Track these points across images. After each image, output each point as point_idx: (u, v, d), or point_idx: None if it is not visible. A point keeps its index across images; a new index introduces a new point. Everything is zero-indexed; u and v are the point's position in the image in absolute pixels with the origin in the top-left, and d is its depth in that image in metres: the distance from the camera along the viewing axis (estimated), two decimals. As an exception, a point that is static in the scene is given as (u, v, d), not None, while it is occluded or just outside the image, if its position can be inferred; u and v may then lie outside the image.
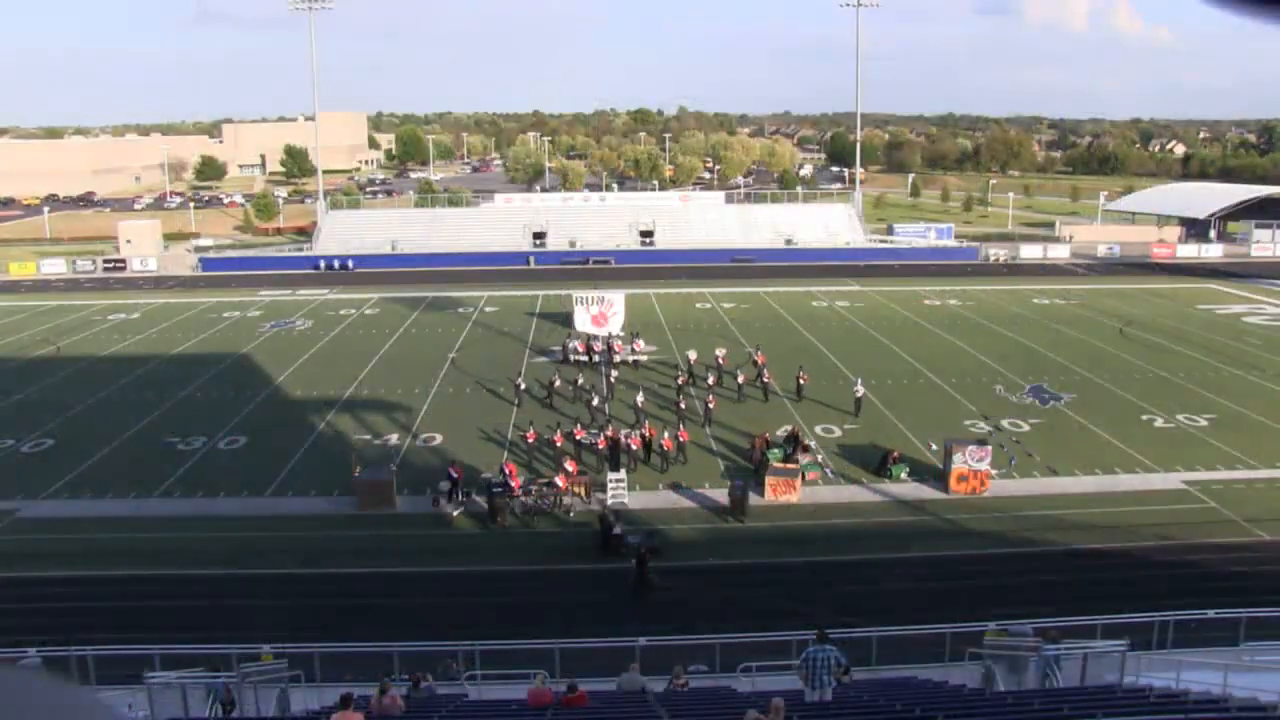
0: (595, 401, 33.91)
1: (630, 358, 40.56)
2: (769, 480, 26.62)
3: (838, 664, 13.32)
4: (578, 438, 29.91)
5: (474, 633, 18.05)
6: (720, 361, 39.08)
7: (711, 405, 33.13)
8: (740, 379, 36.10)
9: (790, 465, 27.44)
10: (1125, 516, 25.17)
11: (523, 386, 36.66)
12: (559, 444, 30.00)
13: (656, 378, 38.83)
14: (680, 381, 36.44)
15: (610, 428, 30.63)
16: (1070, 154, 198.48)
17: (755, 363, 38.85)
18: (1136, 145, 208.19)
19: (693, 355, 40.15)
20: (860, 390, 35.23)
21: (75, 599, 21.44)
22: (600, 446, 29.11)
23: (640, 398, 33.87)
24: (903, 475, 27.86)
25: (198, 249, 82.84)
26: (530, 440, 30.03)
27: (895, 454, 28.60)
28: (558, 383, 36.28)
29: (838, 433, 32.27)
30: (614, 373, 37.94)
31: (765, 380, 36.38)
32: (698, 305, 56.93)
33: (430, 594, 21.85)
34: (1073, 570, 22.28)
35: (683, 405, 33.23)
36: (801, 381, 36.09)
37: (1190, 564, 22.50)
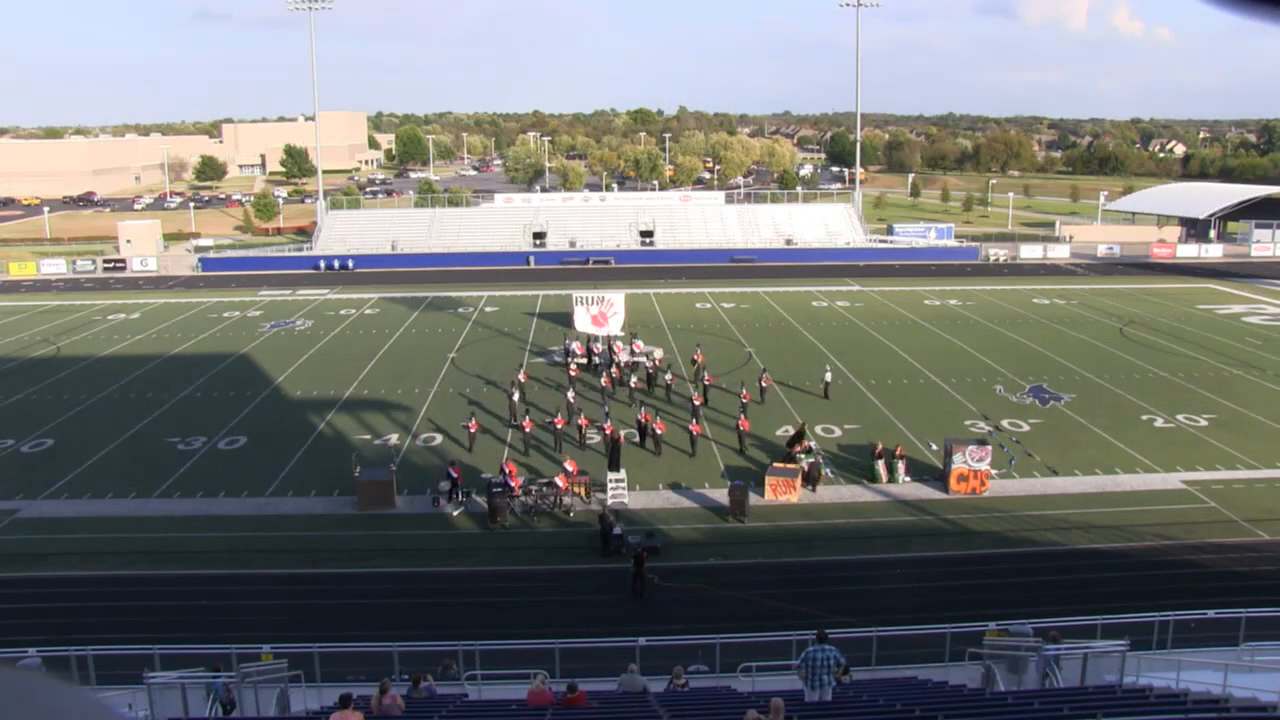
0: (516, 397, 34.10)
1: (631, 359, 40.47)
2: (769, 480, 26.62)
3: (837, 664, 13.33)
4: (558, 427, 31.12)
5: (474, 633, 18.06)
6: (656, 363, 39.54)
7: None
8: (669, 379, 36.63)
9: (790, 465, 27.45)
10: (1125, 516, 25.18)
11: (523, 380, 37.13)
12: (528, 429, 30.80)
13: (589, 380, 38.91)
14: (604, 383, 36.81)
15: (583, 422, 31.81)
16: (1070, 154, 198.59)
17: (694, 361, 39.16)
18: (1136, 145, 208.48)
19: (624, 358, 40.18)
20: (829, 375, 36.66)
21: (75, 599, 21.44)
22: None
23: (571, 394, 34.25)
24: (894, 468, 27.73)
25: (198, 249, 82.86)
26: (472, 431, 31.17)
27: (899, 449, 28.55)
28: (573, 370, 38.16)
29: (838, 432, 32.26)
30: (652, 373, 38.33)
31: (707, 381, 36.19)
32: (698, 305, 56.93)
33: (430, 594, 21.85)
34: (1073, 570, 22.27)
35: (699, 401, 33.36)
36: (763, 385, 36.03)
37: (1190, 564, 22.50)
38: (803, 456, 28.03)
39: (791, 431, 30.89)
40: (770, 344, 45.71)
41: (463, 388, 38.44)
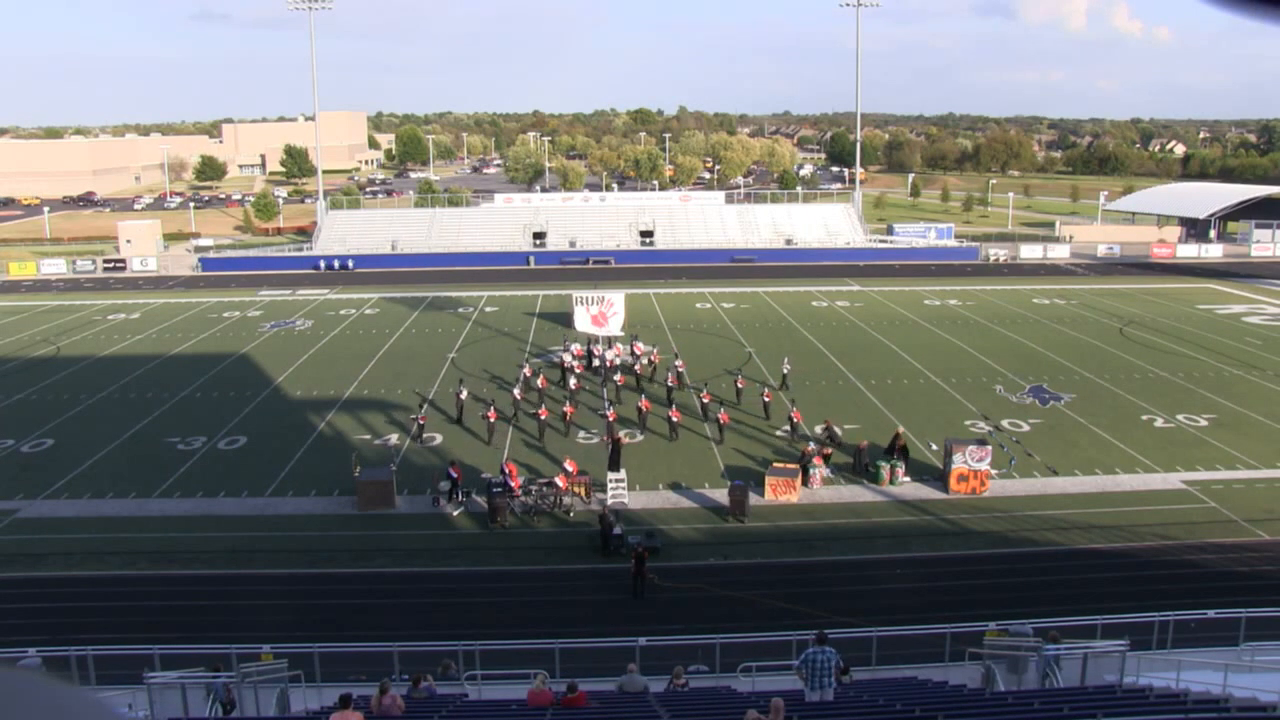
0: (464, 395, 34.45)
1: (632, 361, 40.34)
2: (769, 480, 26.62)
3: (836, 665, 13.33)
4: (542, 417, 32.10)
5: (474, 633, 18.06)
6: (603, 362, 39.82)
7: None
8: (619, 379, 36.80)
9: (791, 465, 27.45)
10: (1125, 516, 25.17)
11: (528, 373, 37.71)
12: (493, 419, 31.89)
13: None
14: (644, 405, 36.34)
15: (568, 410, 33.03)
16: (1070, 154, 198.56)
17: (649, 361, 39.39)
18: (1136, 145, 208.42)
19: (566, 358, 39.76)
20: (787, 367, 37.51)
21: (75, 599, 21.44)
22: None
23: (517, 391, 34.87)
24: (889, 468, 27.74)
25: (198, 249, 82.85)
26: (421, 423, 32.17)
27: (900, 437, 28.73)
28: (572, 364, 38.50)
29: (838, 432, 32.20)
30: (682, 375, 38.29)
31: (671, 384, 36.10)
32: (698, 305, 56.92)
33: (430, 594, 21.85)
34: (1073, 570, 22.28)
35: (706, 399, 33.51)
36: (739, 386, 35.80)
37: (1190, 564, 22.50)
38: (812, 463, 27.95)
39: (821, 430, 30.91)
40: (770, 344, 45.68)
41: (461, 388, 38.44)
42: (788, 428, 31.93)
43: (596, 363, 40.53)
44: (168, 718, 13.66)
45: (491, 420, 31.91)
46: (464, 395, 34.32)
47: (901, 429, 29.69)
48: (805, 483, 27.07)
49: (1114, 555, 23.05)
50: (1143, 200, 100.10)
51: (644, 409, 32.40)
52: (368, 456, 29.72)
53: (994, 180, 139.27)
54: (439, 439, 32.16)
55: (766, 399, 34.00)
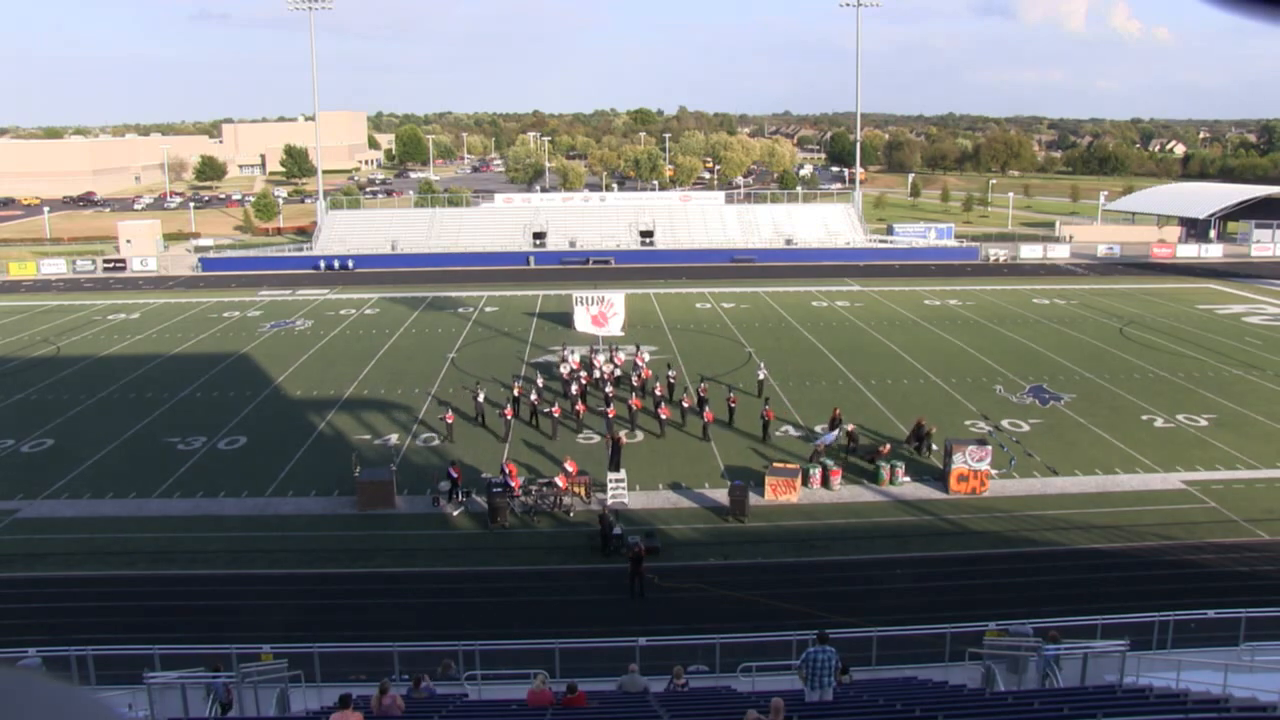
0: (481, 397, 34.25)
1: (636, 374, 39.98)
2: (769, 480, 26.62)
3: (836, 665, 13.33)
4: (556, 415, 32.70)
5: (474, 633, 18.06)
6: (577, 366, 39.14)
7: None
8: (609, 391, 35.99)
9: (791, 465, 27.46)
10: (1125, 516, 25.17)
11: (518, 393, 37.07)
12: (509, 416, 32.61)
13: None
14: (634, 404, 35.07)
15: (580, 409, 33.82)
16: (1070, 154, 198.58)
17: (640, 375, 39.09)
18: (1136, 145, 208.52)
19: (565, 369, 38.44)
20: (762, 374, 37.32)
21: (75, 599, 21.44)
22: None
23: (533, 394, 34.38)
24: (889, 468, 27.74)
25: (198, 249, 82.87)
26: (449, 422, 32.17)
27: (920, 423, 29.42)
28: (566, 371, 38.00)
29: (837, 432, 32.19)
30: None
31: (659, 392, 35.83)
32: (698, 305, 56.92)
33: (430, 594, 21.85)
34: (1073, 570, 22.28)
35: (686, 403, 33.46)
36: (701, 394, 34.70)
37: (1190, 564, 22.50)
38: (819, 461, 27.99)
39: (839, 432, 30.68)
40: (770, 344, 45.69)
41: (465, 387, 38.42)
42: (762, 434, 31.62)
43: (597, 373, 40.04)
44: (168, 718, 13.66)
45: (508, 418, 32.46)
46: (481, 398, 33.93)
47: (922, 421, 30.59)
48: (805, 483, 27.08)
49: (1114, 555, 23.05)
50: (1143, 200, 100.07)
51: (634, 406, 33.10)
52: (368, 456, 29.72)
53: (994, 180, 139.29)
54: (439, 439, 32.16)
55: (732, 403, 33.61)
